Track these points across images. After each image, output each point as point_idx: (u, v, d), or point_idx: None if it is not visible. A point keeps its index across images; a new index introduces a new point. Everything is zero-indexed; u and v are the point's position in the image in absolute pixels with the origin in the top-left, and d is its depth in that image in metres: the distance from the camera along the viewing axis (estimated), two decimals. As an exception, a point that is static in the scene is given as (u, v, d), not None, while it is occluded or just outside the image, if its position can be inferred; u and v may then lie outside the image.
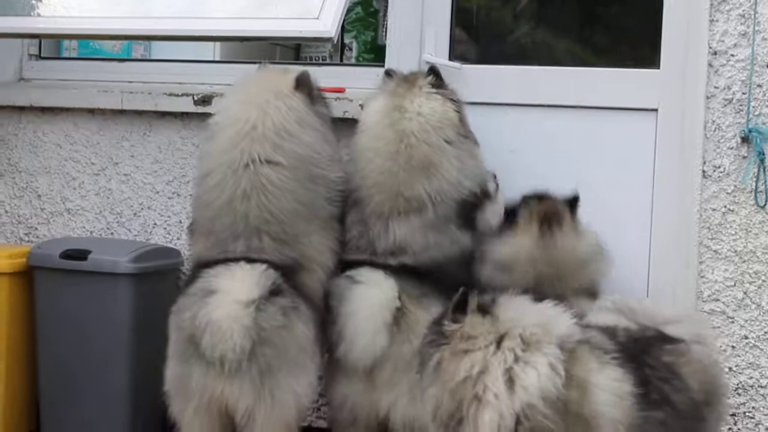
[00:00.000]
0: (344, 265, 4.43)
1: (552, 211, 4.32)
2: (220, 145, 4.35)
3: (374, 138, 4.46)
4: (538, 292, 3.91)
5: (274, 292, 4.06)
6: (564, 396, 3.32)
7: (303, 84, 4.45)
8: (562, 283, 4.26)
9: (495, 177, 4.72)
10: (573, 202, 4.38)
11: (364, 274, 4.36)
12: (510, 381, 3.34)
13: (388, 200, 4.38)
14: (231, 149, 4.29)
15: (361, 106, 4.78)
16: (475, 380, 3.37)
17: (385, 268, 4.34)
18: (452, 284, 4.25)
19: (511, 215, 4.34)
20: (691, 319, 3.97)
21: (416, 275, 4.35)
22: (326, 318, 4.34)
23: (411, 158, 4.39)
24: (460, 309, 3.52)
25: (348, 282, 4.34)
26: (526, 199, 4.37)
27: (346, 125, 4.83)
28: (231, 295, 4.01)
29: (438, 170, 4.40)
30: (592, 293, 4.31)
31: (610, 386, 3.40)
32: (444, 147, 4.44)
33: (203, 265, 4.27)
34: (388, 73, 4.65)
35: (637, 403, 3.42)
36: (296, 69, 4.57)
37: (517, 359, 3.37)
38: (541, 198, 4.37)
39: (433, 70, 4.59)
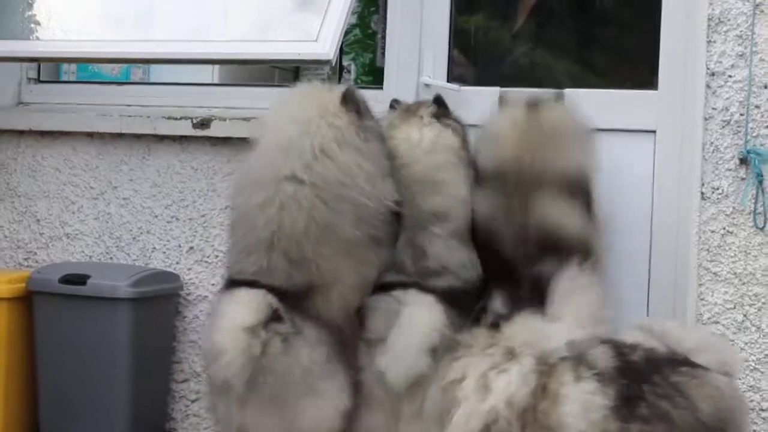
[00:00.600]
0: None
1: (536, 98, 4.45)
2: (254, 162, 4.29)
3: None
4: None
5: (272, 318, 4.00)
6: (532, 405, 3.53)
7: (350, 100, 4.31)
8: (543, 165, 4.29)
9: None
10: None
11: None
12: (484, 386, 3.58)
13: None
14: (265, 166, 4.20)
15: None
16: (459, 383, 3.64)
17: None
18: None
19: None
20: (716, 347, 3.95)
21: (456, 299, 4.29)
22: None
23: (412, 175, 4.37)
24: (475, 323, 3.86)
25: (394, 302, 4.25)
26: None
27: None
28: (233, 321, 3.97)
29: (445, 187, 4.38)
30: (575, 191, 4.30)
31: (580, 398, 3.53)
32: (445, 166, 4.44)
33: (224, 284, 4.27)
34: (393, 105, 4.63)
35: (614, 416, 3.51)
36: (340, 86, 4.50)
37: (494, 367, 3.61)
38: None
39: (438, 100, 4.56)
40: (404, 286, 4.26)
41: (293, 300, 4.09)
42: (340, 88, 4.39)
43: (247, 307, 4.01)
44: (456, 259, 4.33)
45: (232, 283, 4.15)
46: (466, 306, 4.25)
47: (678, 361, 3.70)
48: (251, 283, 4.09)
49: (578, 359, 3.63)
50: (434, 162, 4.41)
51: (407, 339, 4.11)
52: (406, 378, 4.10)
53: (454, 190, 4.41)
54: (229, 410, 4.04)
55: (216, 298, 4.26)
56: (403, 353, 4.10)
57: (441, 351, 4.09)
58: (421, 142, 4.42)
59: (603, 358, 3.65)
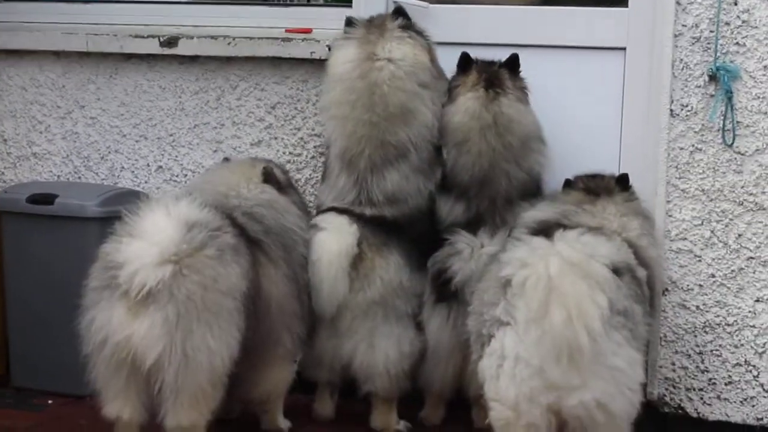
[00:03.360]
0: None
1: (498, 74, 4.47)
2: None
3: (345, 90, 4.44)
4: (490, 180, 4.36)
5: (214, 229, 3.93)
6: None
7: (269, 179, 4.45)
8: (514, 167, 4.39)
9: None
10: (513, 65, 4.50)
11: (328, 220, 4.38)
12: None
13: (377, 150, 4.40)
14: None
15: (329, 47, 4.75)
16: None
17: (352, 214, 4.36)
18: (424, 224, 4.35)
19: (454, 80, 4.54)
20: None
21: (381, 225, 4.38)
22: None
23: (387, 106, 4.41)
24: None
25: (313, 230, 4.37)
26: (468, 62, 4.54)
27: (313, 66, 4.81)
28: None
29: (415, 116, 4.42)
30: (528, 191, 4.44)
31: None
32: (418, 92, 4.46)
33: None
34: (350, 21, 4.60)
35: None
36: (262, 161, 4.62)
37: None
38: (485, 61, 4.54)
39: (399, 11, 4.55)
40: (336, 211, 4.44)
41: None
42: (260, 165, 4.49)
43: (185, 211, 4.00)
44: (410, 189, 4.44)
45: None
46: (412, 228, 4.46)
47: None
48: None
49: None
50: (409, 87, 4.41)
51: (323, 271, 4.28)
52: (332, 305, 4.32)
53: (422, 118, 4.43)
54: None
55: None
56: (321, 285, 4.29)
57: (358, 267, 4.35)
58: (403, 60, 4.42)
59: None
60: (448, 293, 4.32)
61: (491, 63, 4.55)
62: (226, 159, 4.76)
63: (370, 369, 4.41)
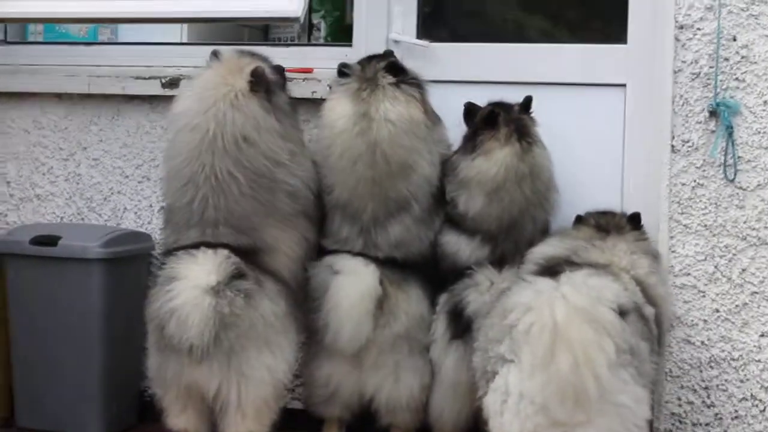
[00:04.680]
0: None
1: (524, 122, 4.44)
2: (182, 154, 4.32)
3: (346, 147, 4.43)
4: (519, 226, 4.36)
5: (236, 276, 4.07)
6: None
7: (258, 83, 4.39)
8: (540, 210, 4.44)
9: None
10: (528, 107, 4.49)
11: (343, 262, 4.38)
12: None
13: (381, 206, 4.42)
14: (192, 160, 4.27)
15: (330, 87, 4.76)
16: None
17: (366, 256, 4.39)
18: (428, 268, 4.37)
19: (475, 127, 4.50)
20: None
21: (395, 264, 4.41)
22: (306, 304, 4.42)
23: (389, 164, 4.41)
24: None
25: (328, 271, 4.38)
26: (493, 109, 4.49)
27: (314, 105, 4.82)
28: (191, 281, 4.01)
29: (415, 170, 4.45)
30: (547, 229, 4.51)
31: None
32: (417, 147, 4.47)
33: (167, 253, 4.32)
34: (342, 71, 4.60)
35: None
36: (250, 63, 4.49)
37: None
38: (503, 107, 4.49)
39: (391, 66, 4.53)
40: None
41: (249, 257, 4.20)
42: (249, 67, 4.42)
43: (209, 266, 4.04)
44: (412, 239, 4.47)
45: (176, 249, 4.23)
46: (422, 267, 4.48)
47: None
48: (207, 245, 4.17)
49: None
50: (408, 144, 4.42)
51: (345, 314, 4.28)
52: (354, 346, 4.33)
53: (421, 171, 4.45)
54: (180, 369, 4.11)
55: (165, 262, 4.26)
56: (343, 328, 4.29)
57: (383, 305, 4.37)
58: (399, 120, 4.43)
59: None
60: (463, 328, 4.31)
61: (510, 108, 4.53)
62: (215, 54, 4.60)
63: (394, 402, 4.45)
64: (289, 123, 4.47)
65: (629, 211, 4.40)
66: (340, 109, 4.49)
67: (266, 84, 4.42)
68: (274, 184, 4.29)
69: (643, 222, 4.33)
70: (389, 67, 4.53)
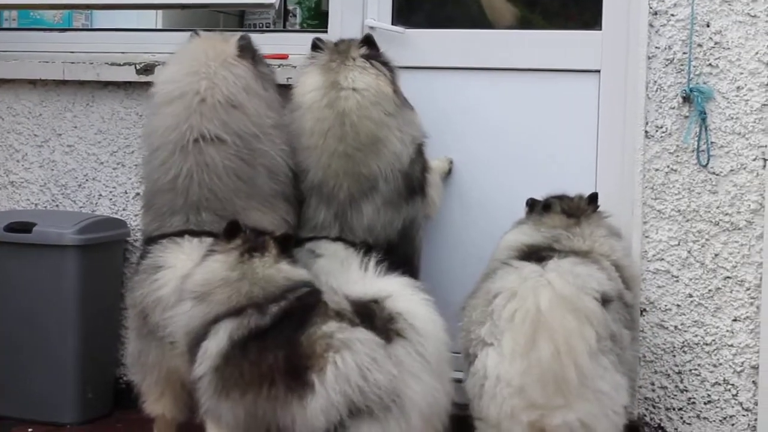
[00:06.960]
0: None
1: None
2: (167, 120, 4.31)
3: (316, 120, 4.42)
4: None
5: None
6: None
7: (246, 49, 4.44)
8: None
9: (451, 162, 4.87)
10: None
11: (325, 246, 4.37)
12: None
13: (355, 183, 4.38)
14: (179, 125, 4.26)
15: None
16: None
17: (345, 242, 4.38)
18: (399, 256, 4.35)
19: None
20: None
21: (370, 248, 4.39)
22: None
23: (358, 135, 4.38)
24: None
25: (309, 255, 4.36)
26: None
27: (289, 92, 4.79)
28: (179, 271, 4.01)
29: (384, 145, 4.41)
30: None
31: None
32: (386, 121, 4.43)
33: (149, 240, 4.29)
34: (316, 44, 4.60)
35: None
36: (235, 34, 4.54)
37: None
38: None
39: (367, 40, 4.55)
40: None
41: None
42: (234, 37, 4.47)
43: (195, 255, 4.03)
44: (382, 223, 4.43)
45: (160, 237, 4.21)
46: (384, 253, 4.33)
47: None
48: (192, 233, 4.15)
49: None
50: (376, 116, 4.41)
51: None
52: None
53: (391, 147, 4.42)
54: (161, 355, 4.11)
55: (148, 250, 4.24)
56: None
57: None
58: (367, 90, 4.42)
59: None
60: None
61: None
62: (195, 32, 4.64)
63: None
64: (273, 93, 4.50)
65: (603, 199, 4.40)
66: (310, 81, 4.48)
67: (253, 51, 4.47)
68: (256, 157, 4.28)
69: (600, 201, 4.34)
70: (365, 40, 4.54)
